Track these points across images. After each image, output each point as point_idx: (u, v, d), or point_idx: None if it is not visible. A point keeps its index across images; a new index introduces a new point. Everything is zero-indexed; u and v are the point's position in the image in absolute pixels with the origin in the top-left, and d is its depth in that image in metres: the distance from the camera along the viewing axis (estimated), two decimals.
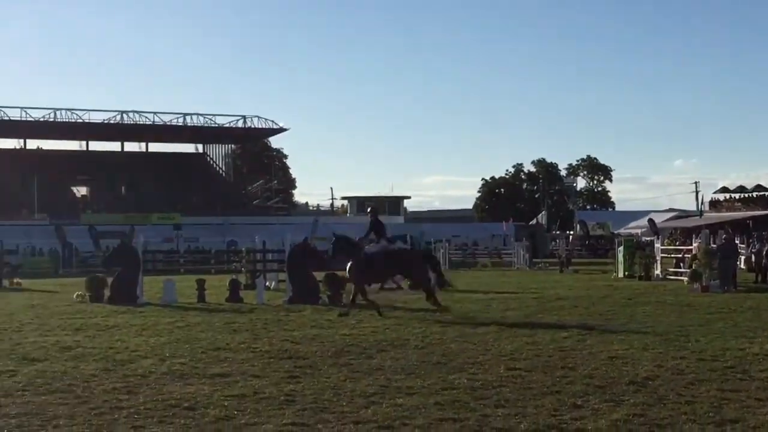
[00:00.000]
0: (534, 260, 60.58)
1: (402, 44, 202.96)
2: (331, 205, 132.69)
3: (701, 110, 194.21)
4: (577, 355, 14.18)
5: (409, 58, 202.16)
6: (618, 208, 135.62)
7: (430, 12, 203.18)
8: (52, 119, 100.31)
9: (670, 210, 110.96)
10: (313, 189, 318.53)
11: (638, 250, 41.23)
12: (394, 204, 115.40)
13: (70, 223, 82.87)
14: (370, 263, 22.91)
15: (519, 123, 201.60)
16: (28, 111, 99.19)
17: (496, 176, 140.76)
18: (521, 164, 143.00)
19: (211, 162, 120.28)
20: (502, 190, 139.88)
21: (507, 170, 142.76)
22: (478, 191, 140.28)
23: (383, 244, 23.69)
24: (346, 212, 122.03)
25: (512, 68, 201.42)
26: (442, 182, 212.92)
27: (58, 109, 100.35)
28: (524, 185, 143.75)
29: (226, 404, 10.42)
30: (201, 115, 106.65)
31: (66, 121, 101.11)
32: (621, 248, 41.61)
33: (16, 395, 11.15)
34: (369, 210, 25.44)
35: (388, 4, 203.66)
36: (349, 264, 23.33)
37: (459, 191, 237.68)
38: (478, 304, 25.41)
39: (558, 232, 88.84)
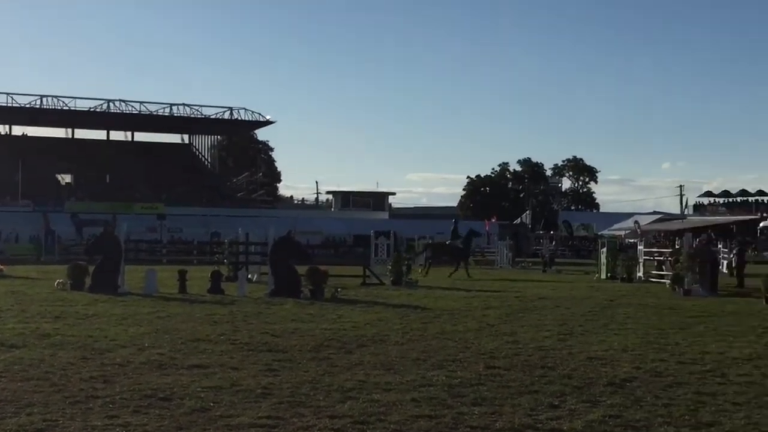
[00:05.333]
0: (517, 259, 60.58)
1: (389, 40, 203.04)
2: (316, 199, 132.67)
3: (690, 114, 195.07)
4: (556, 355, 14.16)
5: (397, 55, 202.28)
6: (603, 209, 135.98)
7: (419, 9, 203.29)
8: (38, 106, 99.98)
9: (655, 212, 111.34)
10: (298, 183, 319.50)
11: (621, 251, 41.29)
12: (379, 200, 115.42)
13: (54, 211, 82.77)
14: None
15: (506, 122, 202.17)
16: (14, 97, 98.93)
17: (482, 175, 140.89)
18: (507, 163, 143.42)
19: (197, 153, 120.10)
20: (488, 188, 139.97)
21: (493, 169, 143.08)
22: (464, 189, 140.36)
23: None
24: (331, 207, 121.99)
25: (500, 67, 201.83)
26: (428, 179, 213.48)
27: (44, 96, 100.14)
28: (509, 184, 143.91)
29: (202, 395, 10.37)
30: (188, 105, 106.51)
31: (52, 108, 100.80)
32: (604, 250, 41.64)
33: None
34: None
35: (378, 1, 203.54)
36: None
37: (445, 189, 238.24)
38: (460, 301, 25.38)
39: (542, 232, 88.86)
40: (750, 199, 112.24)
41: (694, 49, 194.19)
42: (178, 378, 11.52)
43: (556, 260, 60.21)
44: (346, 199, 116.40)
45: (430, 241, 54.15)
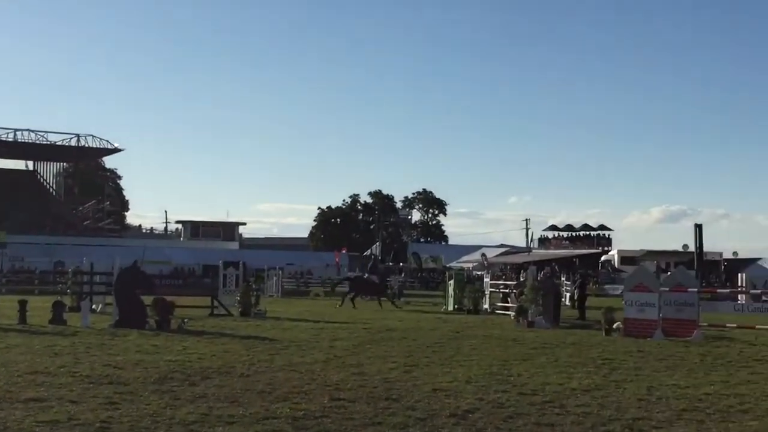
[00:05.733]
0: None
1: (240, 68, 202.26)
2: (165, 228, 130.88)
3: (535, 149, 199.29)
4: (401, 387, 14.24)
5: (251, 82, 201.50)
6: (451, 241, 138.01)
7: (273, 36, 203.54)
8: None
9: (502, 245, 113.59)
10: (147, 212, 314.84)
11: (468, 283, 41.90)
12: (229, 230, 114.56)
13: None
14: None
15: (357, 153, 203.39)
16: None
17: (333, 206, 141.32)
18: (357, 195, 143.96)
19: (42, 180, 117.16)
20: (338, 219, 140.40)
21: (344, 200, 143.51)
22: (314, 220, 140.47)
23: None
24: (180, 236, 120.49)
25: (350, 97, 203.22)
26: (279, 209, 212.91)
27: None
28: (360, 216, 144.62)
29: (37, 430, 10.09)
30: (33, 131, 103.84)
31: None
32: (452, 281, 42.20)
33: None
34: None
35: (224, 25, 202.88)
36: None
37: (297, 219, 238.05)
38: (307, 333, 25.33)
39: (391, 264, 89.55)
40: (592, 233, 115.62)
41: (539, 84, 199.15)
42: (12, 412, 11.17)
43: (405, 291, 60.71)
44: (195, 228, 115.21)
45: (351, 276, 55.99)
